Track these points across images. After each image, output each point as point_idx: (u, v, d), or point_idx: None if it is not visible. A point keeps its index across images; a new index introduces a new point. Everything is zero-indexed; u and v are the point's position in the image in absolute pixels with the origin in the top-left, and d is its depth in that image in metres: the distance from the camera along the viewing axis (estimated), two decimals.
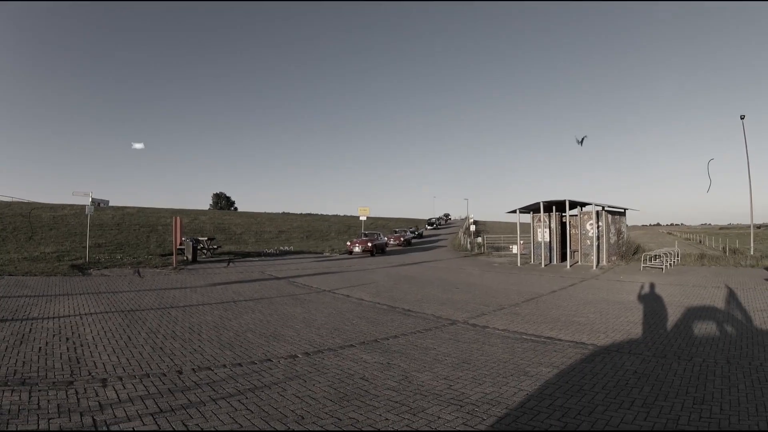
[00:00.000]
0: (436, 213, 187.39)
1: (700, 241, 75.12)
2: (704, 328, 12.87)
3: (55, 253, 31.22)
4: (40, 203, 64.18)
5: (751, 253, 34.70)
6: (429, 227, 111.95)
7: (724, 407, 7.03)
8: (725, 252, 41.68)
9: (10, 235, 37.85)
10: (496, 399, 7.54)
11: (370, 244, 45.95)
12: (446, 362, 9.78)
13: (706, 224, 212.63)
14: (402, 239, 62.78)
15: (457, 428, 6.23)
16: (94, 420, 6.32)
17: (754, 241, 36.92)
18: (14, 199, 68.86)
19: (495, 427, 6.40)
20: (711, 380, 8.39)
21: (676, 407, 7.06)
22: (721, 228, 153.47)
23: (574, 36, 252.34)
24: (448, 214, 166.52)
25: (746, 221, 39.42)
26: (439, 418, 6.74)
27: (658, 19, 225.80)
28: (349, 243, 47.83)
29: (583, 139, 48.60)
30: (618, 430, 6.17)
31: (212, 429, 6.22)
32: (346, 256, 45.31)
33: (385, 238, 56.75)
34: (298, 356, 10.15)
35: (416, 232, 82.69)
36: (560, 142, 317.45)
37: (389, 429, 6.12)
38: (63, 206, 57.16)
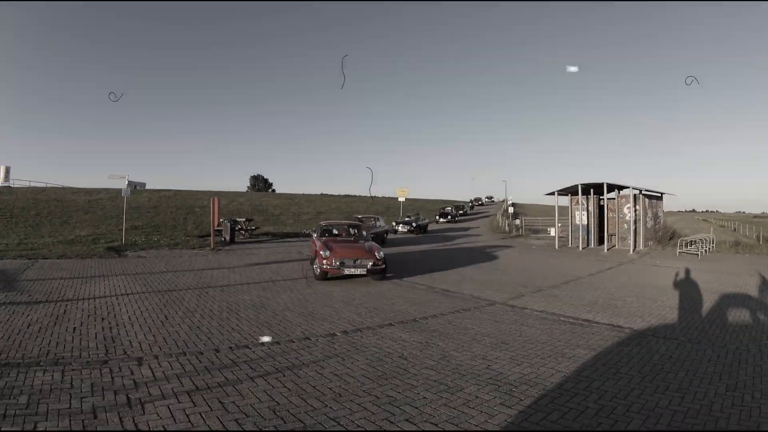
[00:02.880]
0: (475, 194, 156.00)
1: (735, 229, 74.44)
2: (738, 315, 12.79)
3: (91, 236, 31.35)
4: (75, 188, 64.68)
5: None
6: (442, 220, 71.80)
7: (756, 395, 7.03)
8: (759, 240, 41.20)
9: (45, 219, 38.00)
10: (533, 380, 7.54)
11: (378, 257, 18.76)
12: (485, 342, 9.82)
13: (740, 212, 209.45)
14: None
15: (471, 429, 6.17)
16: (128, 398, 6.37)
17: None
18: (49, 185, 69.70)
19: (532, 409, 6.38)
20: (743, 368, 8.39)
21: (709, 393, 7.07)
22: (756, 216, 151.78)
23: (614, 20, 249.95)
24: (480, 199, 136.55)
25: None
26: (477, 397, 6.76)
27: (693, 5, 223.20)
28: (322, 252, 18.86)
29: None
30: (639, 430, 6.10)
31: (249, 406, 6.26)
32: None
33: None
34: (336, 335, 10.21)
35: (415, 223, 51.01)
36: (598, 124, 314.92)
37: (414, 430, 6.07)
38: (98, 190, 57.56)
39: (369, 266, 17.89)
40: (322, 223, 25.09)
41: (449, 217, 73.04)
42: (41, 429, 5.40)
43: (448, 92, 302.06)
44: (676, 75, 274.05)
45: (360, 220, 37.43)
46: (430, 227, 57.25)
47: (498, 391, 7.01)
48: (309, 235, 30.08)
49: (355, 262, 17.80)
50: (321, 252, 17.84)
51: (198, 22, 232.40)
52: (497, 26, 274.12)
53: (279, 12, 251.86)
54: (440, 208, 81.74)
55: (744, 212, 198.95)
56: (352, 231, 23.15)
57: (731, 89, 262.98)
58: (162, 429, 5.52)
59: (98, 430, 5.44)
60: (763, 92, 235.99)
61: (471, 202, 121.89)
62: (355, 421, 5.93)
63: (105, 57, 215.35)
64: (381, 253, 18.64)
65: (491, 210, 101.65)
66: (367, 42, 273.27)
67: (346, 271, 17.67)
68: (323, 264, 17.66)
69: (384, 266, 18.44)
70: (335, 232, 23.02)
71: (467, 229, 58.82)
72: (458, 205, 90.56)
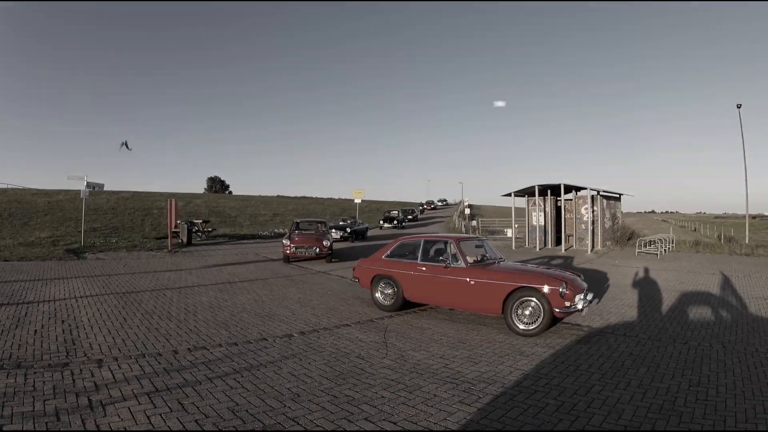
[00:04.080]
0: (430, 196, 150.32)
1: (695, 229, 75.06)
2: (699, 313, 12.91)
3: (50, 238, 31.17)
4: (35, 189, 64.07)
5: (746, 242, 34.78)
6: (387, 225, 60.61)
7: (720, 390, 7.10)
8: (720, 240, 41.70)
9: (5, 221, 37.76)
10: (492, 378, 7.61)
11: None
12: (442, 342, 9.89)
13: (700, 213, 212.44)
14: None
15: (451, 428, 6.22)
16: (89, 400, 6.33)
17: (748, 231, 36.95)
18: (9, 186, 68.89)
19: (491, 407, 6.43)
20: (706, 364, 8.49)
21: (672, 389, 7.15)
22: (716, 217, 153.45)
23: (573, 23, 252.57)
24: (433, 202, 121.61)
25: (741, 211, 39.14)
26: (435, 396, 6.81)
27: (656, 8, 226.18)
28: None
29: (123, 144, 47.21)
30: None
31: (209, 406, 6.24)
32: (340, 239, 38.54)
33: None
34: (293, 335, 10.22)
35: (350, 228, 41.73)
36: (556, 126, 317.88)
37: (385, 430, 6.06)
38: (58, 192, 57.01)
39: None
40: (457, 236, 14.36)
41: (395, 222, 61.67)
42: (7, 431, 5.38)
43: (403, 93, 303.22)
44: (636, 77, 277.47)
45: (297, 224, 29.23)
46: (373, 233, 49.05)
47: (456, 390, 7.06)
48: (265, 236, 30.10)
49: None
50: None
51: (154, 22, 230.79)
52: (459, 29, 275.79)
53: (236, 13, 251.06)
54: (385, 211, 69.90)
55: (705, 213, 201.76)
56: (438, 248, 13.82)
57: (690, 93, 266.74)
58: (123, 430, 5.51)
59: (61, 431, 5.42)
60: (722, 96, 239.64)
61: (422, 206, 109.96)
62: (314, 421, 5.96)
63: (62, 55, 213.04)
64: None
65: (446, 214, 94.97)
66: (325, 43, 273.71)
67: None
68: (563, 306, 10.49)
69: None
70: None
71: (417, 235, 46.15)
72: (407, 209, 79.27)
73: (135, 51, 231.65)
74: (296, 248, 24.24)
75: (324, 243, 24.68)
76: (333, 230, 37.36)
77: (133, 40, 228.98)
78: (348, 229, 40.85)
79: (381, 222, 61.67)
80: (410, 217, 73.41)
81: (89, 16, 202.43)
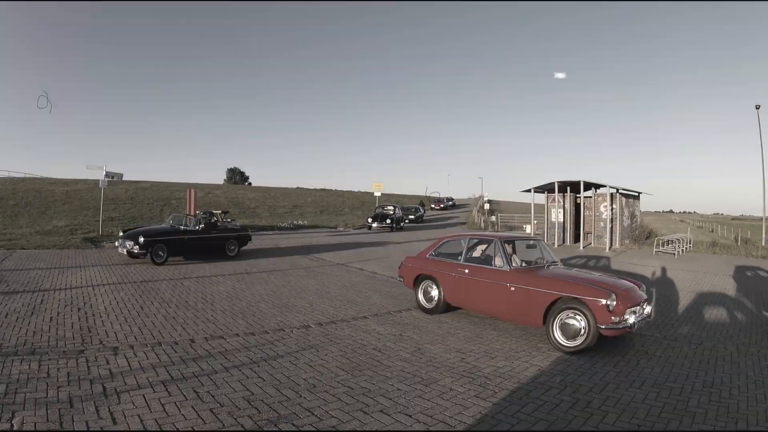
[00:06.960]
0: (450, 192, 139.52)
1: (712, 230, 74.62)
2: (714, 314, 12.83)
3: (68, 226, 31.12)
4: (53, 178, 64.20)
5: (763, 244, 34.50)
6: (376, 224, 44.57)
7: (734, 392, 7.09)
8: (737, 241, 41.36)
9: (23, 210, 37.74)
10: (508, 373, 7.61)
11: None
12: (459, 335, 9.87)
13: (718, 213, 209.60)
14: None
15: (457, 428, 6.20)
16: (104, 388, 6.36)
17: (765, 233, 36.65)
18: (27, 175, 69.12)
19: (506, 402, 6.42)
20: (720, 365, 8.48)
21: (685, 389, 7.14)
22: (734, 218, 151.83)
23: (593, 19, 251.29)
24: (441, 200, 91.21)
25: (759, 213, 38.65)
26: (451, 389, 6.80)
27: (676, 6, 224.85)
28: None
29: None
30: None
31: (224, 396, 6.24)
32: (361, 231, 40.50)
33: None
34: (311, 326, 10.24)
35: (192, 225, 21.53)
36: (577, 123, 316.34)
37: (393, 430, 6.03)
38: (76, 181, 56.96)
39: None
40: None
41: (389, 221, 44.48)
42: (18, 419, 5.37)
43: (425, 88, 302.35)
44: (656, 76, 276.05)
45: (510, 245, 11.99)
46: (355, 239, 35.21)
47: (472, 384, 7.06)
48: (284, 228, 28.03)
49: None
50: None
51: (176, 15, 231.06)
52: (479, 25, 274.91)
53: (257, 9, 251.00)
54: (377, 206, 50.82)
55: (722, 214, 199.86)
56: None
57: (710, 92, 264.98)
58: (137, 417, 5.51)
59: (74, 419, 5.42)
60: (741, 97, 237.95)
61: (421, 205, 72.20)
62: (330, 412, 5.96)
63: (82, 46, 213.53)
64: None
65: (454, 215, 75.66)
66: (345, 39, 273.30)
67: None
68: None
69: None
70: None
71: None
72: (409, 207, 61.65)
73: (154, 42, 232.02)
74: (636, 319, 9.29)
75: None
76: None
77: (153, 32, 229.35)
78: (195, 227, 22.00)
79: (369, 221, 45.81)
80: (411, 216, 56.02)
81: (105, 7, 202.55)
